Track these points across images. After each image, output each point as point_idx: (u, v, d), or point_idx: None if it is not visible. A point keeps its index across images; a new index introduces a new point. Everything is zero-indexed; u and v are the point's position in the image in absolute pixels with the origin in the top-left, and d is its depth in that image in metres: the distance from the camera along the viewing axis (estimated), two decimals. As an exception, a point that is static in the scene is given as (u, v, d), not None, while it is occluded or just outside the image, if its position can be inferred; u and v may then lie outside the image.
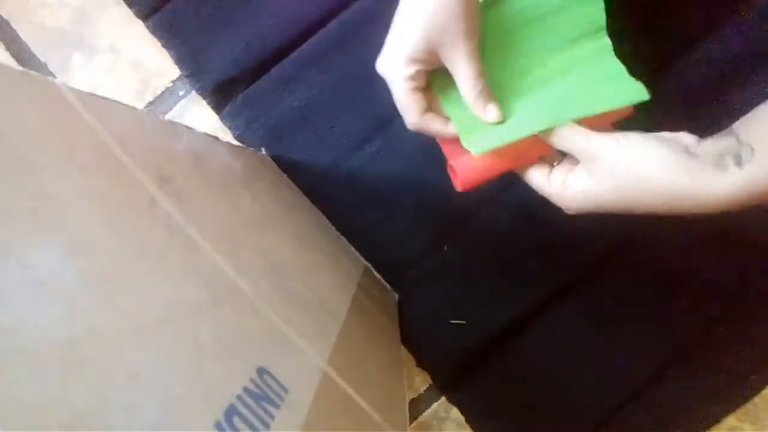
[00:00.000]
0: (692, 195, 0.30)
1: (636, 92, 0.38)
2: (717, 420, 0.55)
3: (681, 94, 0.52)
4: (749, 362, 0.54)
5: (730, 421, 0.55)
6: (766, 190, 0.29)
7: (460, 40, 0.36)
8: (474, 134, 0.39)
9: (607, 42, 0.39)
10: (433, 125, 0.39)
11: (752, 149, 0.29)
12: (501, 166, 0.39)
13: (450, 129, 0.39)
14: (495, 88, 0.39)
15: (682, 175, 0.30)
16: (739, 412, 0.55)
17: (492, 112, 0.38)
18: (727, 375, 0.54)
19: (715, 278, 0.53)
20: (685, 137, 0.33)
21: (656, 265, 0.54)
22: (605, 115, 0.37)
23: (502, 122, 0.38)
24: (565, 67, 0.40)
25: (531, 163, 0.38)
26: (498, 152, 0.38)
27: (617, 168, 0.32)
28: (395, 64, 0.37)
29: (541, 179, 0.38)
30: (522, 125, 0.38)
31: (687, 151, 0.31)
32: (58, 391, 0.14)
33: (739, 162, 0.29)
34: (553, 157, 0.38)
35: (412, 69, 0.37)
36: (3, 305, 0.14)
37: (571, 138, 0.35)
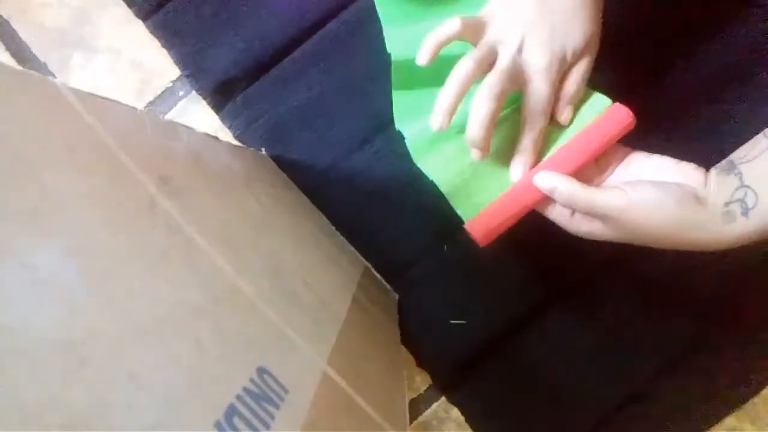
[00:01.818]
0: (704, 243, 0.32)
1: (600, 102, 0.38)
2: (717, 420, 0.55)
3: (681, 94, 0.52)
4: (749, 362, 0.54)
5: (730, 421, 0.55)
6: None
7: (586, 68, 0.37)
8: (462, 199, 0.39)
9: None
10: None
11: (756, 194, 0.30)
12: (510, 215, 0.38)
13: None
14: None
15: (696, 230, 0.32)
16: (739, 412, 0.55)
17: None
18: (727, 375, 0.54)
19: (715, 279, 0.53)
20: (693, 175, 0.34)
21: (657, 266, 0.54)
22: (608, 139, 0.37)
23: (482, 181, 0.39)
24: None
25: (540, 202, 0.38)
26: (492, 208, 0.38)
27: (633, 227, 0.33)
28: (555, 67, 0.36)
29: (563, 219, 0.37)
30: (500, 180, 0.38)
31: (697, 199, 0.32)
32: (58, 391, 0.14)
33: (745, 211, 0.30)
34: None
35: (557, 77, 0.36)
36: (3, 305, 0.14)
37: (576, 197, 0.35)
